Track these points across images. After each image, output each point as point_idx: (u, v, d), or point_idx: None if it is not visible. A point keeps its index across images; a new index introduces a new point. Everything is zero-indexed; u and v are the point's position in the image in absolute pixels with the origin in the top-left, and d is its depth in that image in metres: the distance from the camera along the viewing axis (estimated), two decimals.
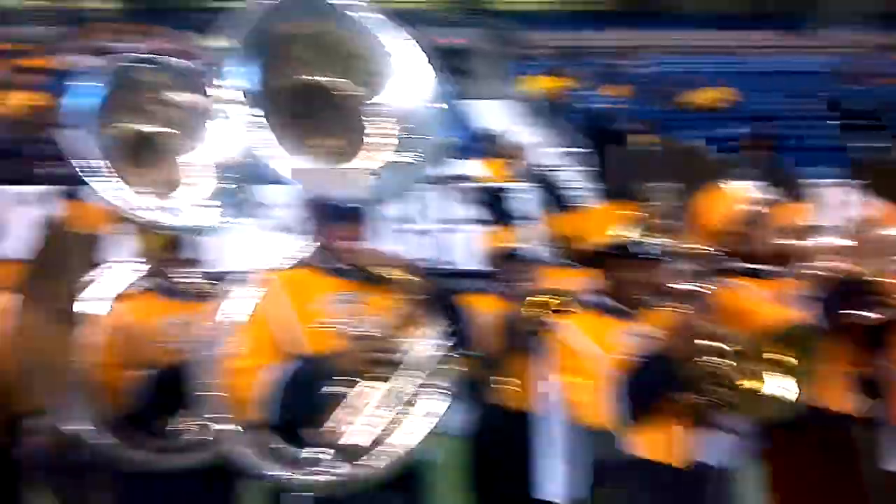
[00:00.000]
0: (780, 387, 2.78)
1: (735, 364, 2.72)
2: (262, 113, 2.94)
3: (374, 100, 3.09)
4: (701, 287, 3.75)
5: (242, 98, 2.91)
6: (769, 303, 3.30)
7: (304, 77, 3.08)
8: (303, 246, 3.18)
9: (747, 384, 2.76)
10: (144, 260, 3.70)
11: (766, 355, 2.77)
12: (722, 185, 3.41)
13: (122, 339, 3.55)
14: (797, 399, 2.77)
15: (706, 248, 3.96)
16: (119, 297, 3.66)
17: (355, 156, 3.06)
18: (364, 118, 3.09)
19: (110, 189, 3.61)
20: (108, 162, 3.66)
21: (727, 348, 2.73)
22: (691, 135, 13.58)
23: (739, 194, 3.38)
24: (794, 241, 3.46)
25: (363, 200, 3.01)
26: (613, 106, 16.16)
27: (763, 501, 3.38)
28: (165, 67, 3.85)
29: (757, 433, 3.30)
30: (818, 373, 2.80)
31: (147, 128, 3.80)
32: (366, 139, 3.08)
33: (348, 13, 3.06)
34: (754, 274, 3.35)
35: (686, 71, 19.59)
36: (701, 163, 3.52)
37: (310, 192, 2.97)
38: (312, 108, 3.10)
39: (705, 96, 16.44)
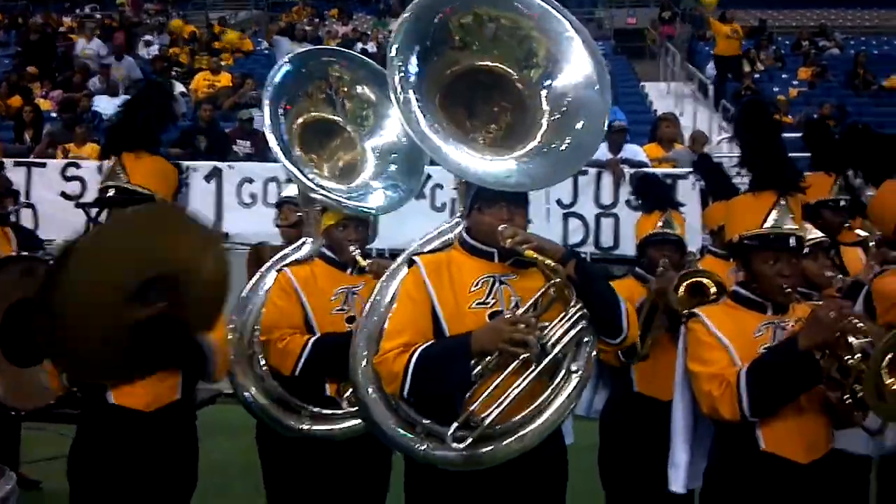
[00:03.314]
0: None
1: (881, 361, 2.57)
2: (425, 97, 2.98)
3: (543, 83, 3.09)
4: (852, 282, 3.59)
5: (408, 81, 2.96)
6: None
7: (469, 58, 3.11)
8: (455, 226, 3.26)
9: (892, 383, 2.61)
10: (320, 235, 3.89)
11: None
12: None
13: (291, 304, 3.72)
14: None
15: (876, 239, 3.77)
16: (292, 265, 3.86)
17: (518, 140, 3.07)
18: (530, 101, 3.10)
19: (296, 168, 3.84)
20: (292, 141, 3.91)
21: (873, 345, 2.58)
22: (888, 121, 12.81)
23: None
24: None
25: (522, 185, 3.00)
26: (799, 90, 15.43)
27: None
28: (353, 62, 4.07)
29: None
30: None
31: (329, 115, 4.01)
32: (529, 123, 3.09)
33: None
34: None
35: (884, 53, 18.37)
36: (886, 150, 3.30)
37: (468, 176, 2.99)
38: (477, 92, 3.14)
39: None
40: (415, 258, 3.05)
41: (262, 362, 3.81)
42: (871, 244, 3.89)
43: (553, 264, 2.85)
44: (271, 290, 3.83)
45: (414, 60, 2.98)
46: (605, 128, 3.15)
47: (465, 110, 3.12)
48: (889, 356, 2.59)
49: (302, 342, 3.63)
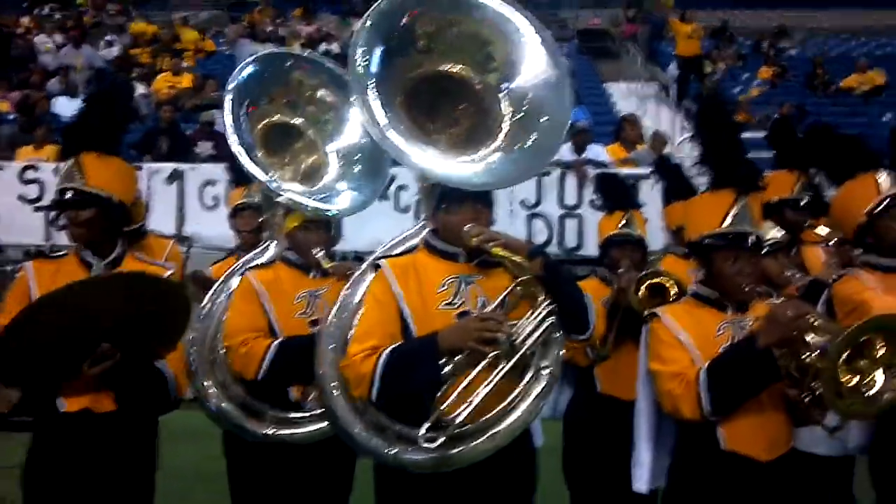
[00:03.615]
0: (881, 384, 2.64)
1: (837, 359, 2.60)
2: (387, 97, 2.98)
3: (501, 85, 3.11)
4: (812, 280, 3.64)
5: (370, 82, 2.96)
6: (891, 296, 3.12)
7: (431, 63, 3.12)
8: (420, 230, 3.25)
9: (850, 380, 2.64)
10: (284, 238, 3.86)
11: (872, 352, 2.64)
12: (873, 174, 3.23)
13: (254, 309, 3.70)
14: None
15: (837, 238, 3.81)
16: (255, 269, 3.84)
17: (480, 141, 3.09)
18: (490, 104, 3.11)
19: (258, 170, 3.82)
20: (255, 144, 3.89)
21: (831, 344, 2.61)
22: (845, 121, 13.01)
23: (887, 185, 3.19)
24: None
25: (486, 184, 3.02)
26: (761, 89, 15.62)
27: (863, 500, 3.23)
28: (315, 66, 4.04)
29: (863, 428, 3.16)
30: None
31: (291, 119, 4.00)
32: (491, 124, 3.10)
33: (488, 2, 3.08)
34: (889, 268, 3.16)
35: (842, 54, 18.65)
36: (850, 149, 3.34)
37: (433, 176, 3.00)
38: (439, 94, 3.14)
39: (855, 81, 15.56)
40: (380, 262, 3.05)
41: (226, 368, 3.77)
42: (830, 244, 3.94)
43: (521, 261, 2.87)
44: (234, 294, 3.80)
45: (377, 61, 2.98)
46: (567, 128, 3.16)
47: (427, 112, 3.12)
48: (846, 354, 2.62)
49: (265, 346, 3.60)
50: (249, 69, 3.95)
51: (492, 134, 3.08)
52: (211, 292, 3.98)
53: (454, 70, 3.12)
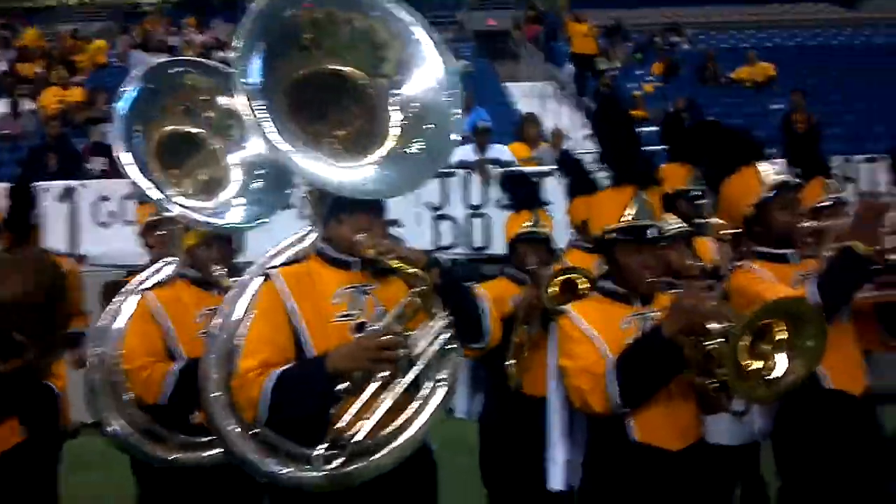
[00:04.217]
0: (782, 367, 2.70)
1: (739, 344, 2.64)
2: (274, 105, 2.87)
3: (391, 88, 3.05)
4: (713, 269, 3.72)
5: (253, 86, 2.84)
6: (783, 285, 3.21)
7: (318, 66, 3.03)
8: (314, 238, 3.17)
9: (752, 365, 2.69)
10: (183, 254, 3.75)
11: (772, 336, 2.70)
12: (754, 166, 3.30)
13: (153, 330, 3.58)
14: (800, 379, 2.69)
15: (730, 229, 3.91)
16: (154, 288, 3.72)
17: (369, 145, 3.02)
18: (380, 107, 3.05)
19: (150, 185, 3.68)
20: (148, 159, 3.75)
21: (732, 329, 2.65)
22: (738, 112, 13.43)
23: (770, 176, 3.27)
24: (818, 223, 3.35)
25: (379, 192, 2.96)
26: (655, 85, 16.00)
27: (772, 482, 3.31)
28: (208, 70, 3.92)
29: (766, 414, 3.24)
30: (823, 352, 2.71)
31: (188, 128, 3.87)
32: (379, 129, 3.03)
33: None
34: (779, 258, 3.25)
35: (727, 47, 19.27)
36: (734, 143, 3.42)
37: (326, 185, 2.90)
38: (328, 96, 3.06)
39: (746, 73, 16.11)
40: (271, 271, 2.96)
41: (126, 392, 3.64)
42: (722, 233, 4.04)
43: (418, 272, 2.81)
44: (133, 315, 3.68)
45: (257, 63, 2.85)
46: (457, 131, 3.11)
47: (316, 114, 3.03)
48: (748, 339, 2.66)
49: (166, 370, 3.50)
50: (138, 83, 3.80)
51: (380, 138, 3.01)
52: (108, 312, 3.83)
53: (343, 69, 3.04)
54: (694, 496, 2.94)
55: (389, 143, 3.01)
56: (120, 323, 3.74)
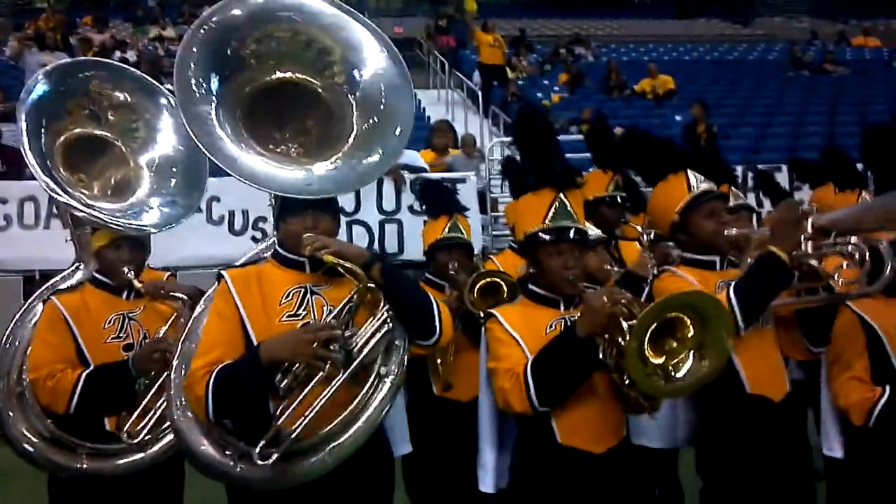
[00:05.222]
0: (687, 363, 2.70)
1: (643, 335, 2.61)
2: (225, 110, 2.92)
3: (338, 92, 3.08)
4: (629, 271, 3.79)
5: (205, 95, 2.88)
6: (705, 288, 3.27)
7: (264, 71, 3.06)
8: (261, 239, 3.15)
9: (658, 359, 2.68)
10: (92, 258, 3.64)
11: (681, 333, 2.70)
12: (681, 174, 3.38)
13: (60, 337, 3.46)
14: (707, 375, 2.71)
15: (653, 236, 4.00)
16: (60, 293, 3.59)
17: (329, 148, 3.05)
18: (337, 109, 3.08)
19: (58, 187, 3.57)
20: (55, 161, 3.64)
21: (634, 323, 2.64)
22: (640, 123, 13.76)
23: (690, 184, 3.35)
24: (736, 230, 3.43)
25: (325, 191, 2.97)
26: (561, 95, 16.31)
27: (694, 484, 3.38)
28: (113, 71, 3.86)
29: (689, 416, 3.31)
30: (728, 349, 2.76)
31: (94, 130, 3.77)
32: (340, 131, 3.06)
33: (310, 4, 3.06)
34: (706, 264, 3.32)
35: (628, 60, 19.80)
36: (661, 151, 3.49)
37: (267, 185, 2.93)
38: (286, 105, 3.09)
39: (648, 84, 16.57)
40: (223, 272, 2.95)
41: (32, 401, 3.48)
42: (644, 237, 4.13)
43: (353, 268, 2.82)
44: (38, 323, 3.54)
45: (213, 76, 2.91)
46: (407, 125, 3.13)
47: (274, 124, 3.08)
48: (654, 335, 2.64)
49: (73, 378, 3.38)
50: (43, 85, 3.69)
51: (341, 140, 3.05)
52: (13, 320, 3.67)
53: (295, 77, 3.08)
54: (616, 498, 2.96)
55: (348, 144, 3.05)
56: (27, 330, 3.60)
